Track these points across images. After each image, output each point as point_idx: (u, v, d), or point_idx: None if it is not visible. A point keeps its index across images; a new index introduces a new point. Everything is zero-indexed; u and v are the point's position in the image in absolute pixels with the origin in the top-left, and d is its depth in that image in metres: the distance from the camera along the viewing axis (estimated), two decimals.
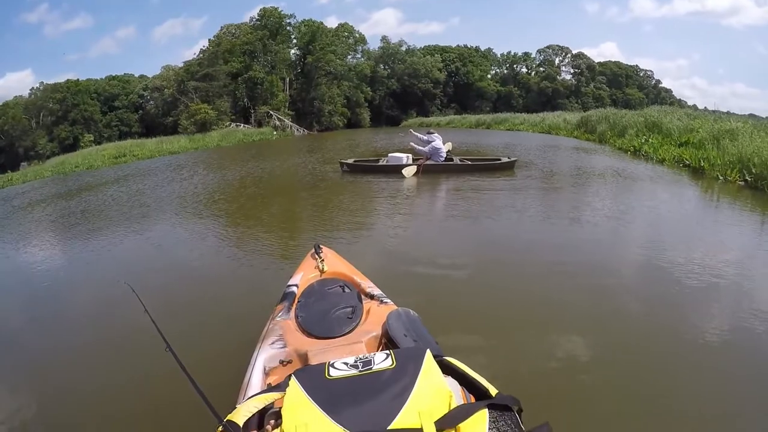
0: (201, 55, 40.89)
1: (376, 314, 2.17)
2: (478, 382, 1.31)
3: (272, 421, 1.30)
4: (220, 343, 3.30)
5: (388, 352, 1.24)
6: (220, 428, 1.23)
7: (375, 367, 1.18)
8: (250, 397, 1.37)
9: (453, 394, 1.13)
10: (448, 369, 1.36)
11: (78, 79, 46.10)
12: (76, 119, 43.40)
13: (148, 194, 12.14)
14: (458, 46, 54.46)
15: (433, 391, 1.11)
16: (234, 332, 3.39)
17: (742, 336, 3.00)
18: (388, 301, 2.39)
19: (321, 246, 2.92)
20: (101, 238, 7.90)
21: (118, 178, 17.95)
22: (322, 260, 2.76)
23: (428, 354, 1.21)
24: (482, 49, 56.04)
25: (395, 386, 1.10)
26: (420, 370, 1.14)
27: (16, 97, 48.84)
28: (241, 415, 1.28)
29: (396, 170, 9.93)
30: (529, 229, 5.82)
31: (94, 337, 4.02)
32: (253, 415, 1.31)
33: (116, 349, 3.64)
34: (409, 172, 9.83)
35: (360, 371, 1.18)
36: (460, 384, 1.34)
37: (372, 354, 1.26)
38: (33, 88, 47.62)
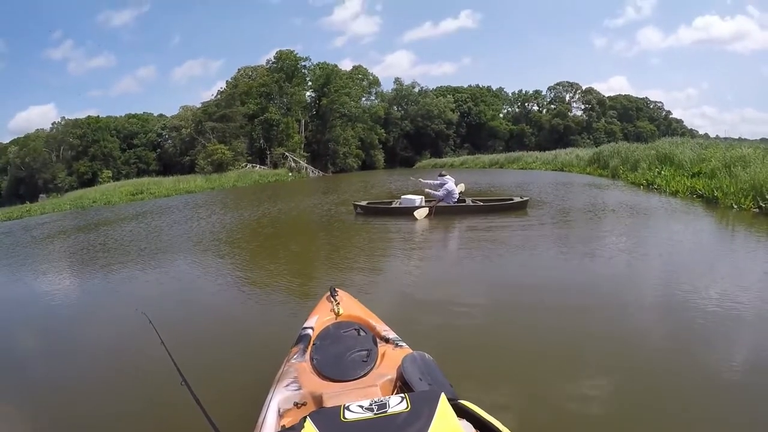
0: (218, 96, 41.88)
1: (392, 358, 2.17)
2: (494, 425, 1.31)
3: None
4: (234, 381, 3.31)
5: (402, 395, 1.24)
6: None
7: (390, 411, 1.18)
8: None
9: None
10: (462, 412, 1.36)
11: (98, 116, 47.47)
12: (96, 155, 44.39)
13: (165, 231, 12.32)
14: (470, 86, 55.32)
15: None
16: (248, 372, 3.40)
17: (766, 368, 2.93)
18: (404, 344, 2.36)
19: (336, 289, 2.92)
20: (119, 271, 8.04)
21: (135, 215, 18.33)
22: (338, 303, 2.76)
23: (443, 397, 1.22)
24: (494, 89, 56.79)
25: (410, 429, 1.11)
26: (435, 414, 1.15)
27: (37, 130, 50.19)
28: None
29: (409, 212, 9.87)
30: (543, 269, 5.75)
31: (109, 368, 4.08)
32: None
33: (132, 381, 3.70)
34: (420, 214, 9.78)
35: (375, 414, 1.17)
36: (475, 427, 1.33)
37: (387, 397, 1.25)
38: (54, 122, 49.02)
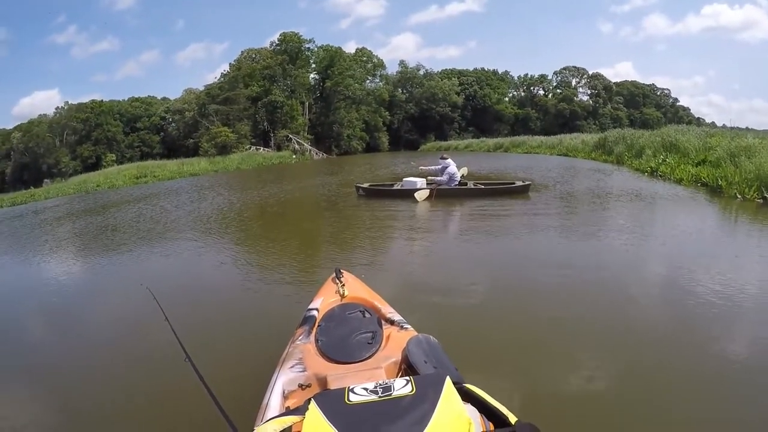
0: (222, 78, 41.63)
1: (396, 340, 2.17)
2: (498, 409, 1.30)
3: None
4: (238, 361, 3.33)
5: (408, 378, 1.24)
6: None
7: (395, 393, 1.17)
8: (268, 420, 1.36)
9: (472, 422, 1.13)
10: (467, 396, 1.35)
11: (102, 100, 47.26)
12: (99, 139, 44.32)
13: (169, 213, 12.38)
14: (475, 69, 54.72)
15: (452, 419, 1.11)
16: (252, 352, 3.43)
17: (766, 361, 2.91)
18: (409, 326, 2.36)
19: (342, 270, 2.90)
20: (124, 252, 8.18)
21: (139, 197, 18.38)
22: (343, 285, 2.76)
23: (448, 381, 1.21)
24: (499, 72, 56.24)
25: (415, 413, 1.10)
26: (440, 397, 1.14)
27: (40, 115, 50.08)
28: None
29: (410, 195, 9.90)
30: (545, 253, 5.74)
31: (114, 343, 4.17)
32: None
33: (136, 355, 3.77)
34: (421, 195, 9.78)
35: (380, 397, 1.17)
36: (480, 411, 1.33)
37: (392, 380, 1.25)
38: (58, 107, 48.89)
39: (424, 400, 1.14)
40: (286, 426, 1.30)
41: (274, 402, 1.89)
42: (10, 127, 53.26)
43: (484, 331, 3.50)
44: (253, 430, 1.31)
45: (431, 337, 1.99)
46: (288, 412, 1.38)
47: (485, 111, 51.36)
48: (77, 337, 4.59)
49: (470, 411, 1.29)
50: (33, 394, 3.55)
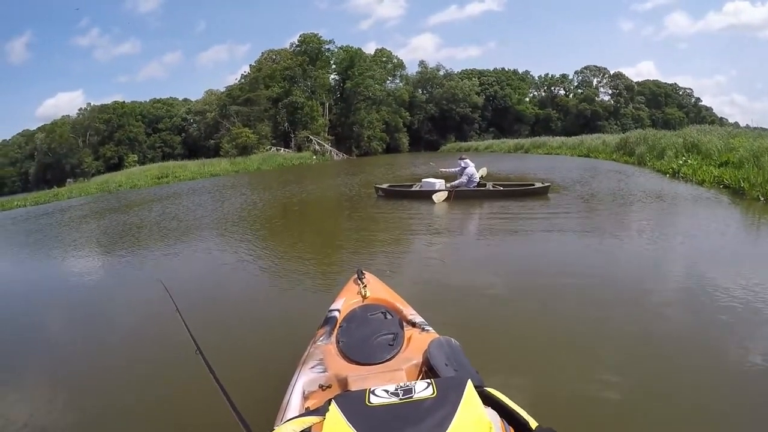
0: (242, 80, 41.78)
1: (418, 342, 2.15)
2: (519, 414, 1.29)
3: None
4: (258, 361, 3.35)
5: (429, 381, 1.22)
6: None
7: (416, 396, 1.16)
8: (288, 420, 1.36)
9: (493, 426, 1.11)
10: (488, 400, 1.34)
11: (124, 101, 47.88)
12: (122, 140, 44.88)
13: (190, 213, 12.58)
14: (495, 69, 54.12)
15: (473, 422, 1.09)
16: (273, 352, 3.44)
17: None
18: (430, 329, 2.34)
19: (364, 271, 2.89)
20: (143, 249, 8.41)
21: (160, 197, 18.72)
22: (365, 286, 2.75)
23: (469, 384, 1.19)
24: (520, 72, 55.50)
25: (435, 416, 1.09)
26: (461, 401, 1.13)
27: (64, 116, 50.92)
28: None
29: (429, 196, 9.91)
30: (564, 255, 5.70)
31: (128, 335, 4.42)
32: None
33: (149, 347, 3.91)
34: (439, 197, 9.76)
35: (401, 399, 1.16)
36: (501, 416, 1.31)
37: (413, 382, 1.24)
38: (81, 108, 49.67)
39: (445, 404, 1.12)
40: (306, 426, 1.29)
41: (294, 402, 1.89)
42: (33, 128, 54.35)
43: (504, 334, 3.50)
44: (273, 429, 1.32)
45: (452, 339, 1.99)
46: (308, 412, 1.38)
47: (506, 111, 50.76)
48: (95, 332, 4.74)
49: (491, 415, 1.28)
50: (48, 384, 3.66)
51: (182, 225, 10.49)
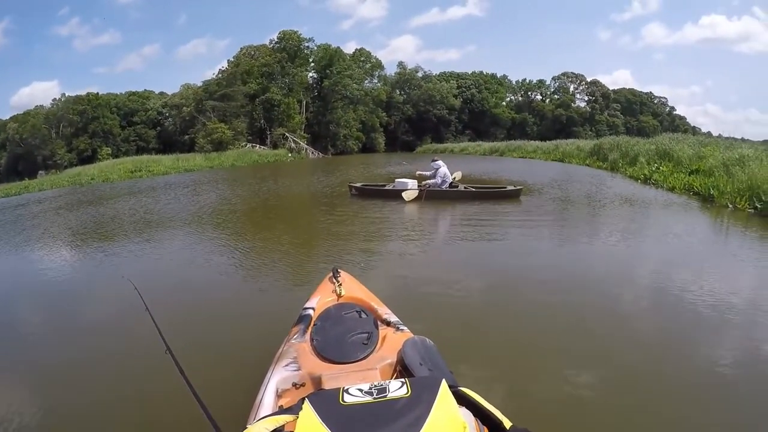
0: (220, 75, 41.47)
1: (392, 341, 2.17)
2: (493, 414, 1.29)
3: None
4: (231, 360, 3.33)
5: (403, 380, 1.23)
6: None
7: (389, 395, 1.17)
8: (261, 419, 1.34)
9: (467, 426, 1.12)
10: (462, 399, 1.33)
11: (98, 93, 47.02)
12: (96, 132, 44.11)
13: (162, 208, 12.45)
14: (474, 72, 54.77)
15: (447, 422, 1.10)
16: (246, 350, 3.41)
17: (753, 367, 3.01)
18: (405, 328, 2.36)
19: (339, 270, 2.89)
20: (112, 244, 8.22)
21: (133, 192, 18.48)
22: (340, 284, 2.75)
23: (443, 384, 1.20)
24: (498, 76, 56.32)
25: (409, 415, 1.10)
26: (435, 400, 1.14)
27: (37, 106, 49.75)
28: None
29: (401, 195, 10.13)
30: (535, 256, 5.84)
31: (95, 333, 4.29)
32: None
33: (117, 347, 3.81)
34: (409, 195, 9.95)
35: (374, 398, 1.17)
36: (475, 415, 1.32)
37: (387, 381, 1.24)
38: (55, 98, 48.60)
39: (419, 403, 1.13)
40: (279, 425, 1.29)
41: (267, 400, 1.89)
42: (6, 117, 53.05)
43: (478, 334, 3.54)
44: (245, 428, 1.30)
45: (427, 339, 2.00)
46: (281, 411, 1.37)
47: (483, 114, 51.46)
48: (62, 329, 4.59)
49: (465, 414, 1.28)
50: (10, 381, 3.58)
51: (155, 220, 10.49)
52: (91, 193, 20.62)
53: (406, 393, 1.16)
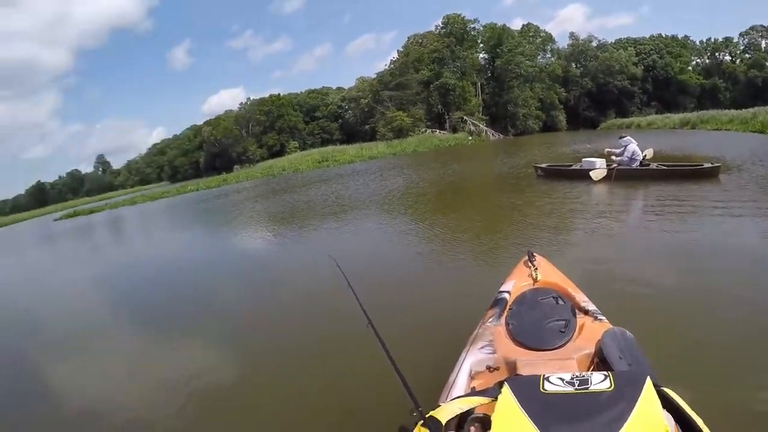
0: (392, 65, 42.75)
1: (590, 331, 2.08)
2: (696, 423, 1.16)
3: (474, 426, 1.31)
4: (425, 337, 3.42)
5: (606, 373, 1.19)
6: (420, 422, 1.24)
7: (592, 388, 1.13)
8: (455, 398, 1.36)
9: (669, 430, 1.04)
10: (665, 401, 1.20)
11: (279, 94, 51.77)
12: (282, 128, 48.67)
13: (352, 193, 13.37)
14: (652, 36, 49.14)
15: (649, 423, 1.04)
16: (438, 329, 3.47)
17: None
18: (603, 318, 2.24)
19: (534, 254, 2.84)
20: (310, 226, 9.14)
21: (324, 179, 20.06)
22: (536, 268, 2.70)
23: (648, 381, 1.14)
24: (679, 38, 49.86)
25: (612, 410, 1.05)
26: (639, 398, 1.08)
27: (227, 111, 56.64)
28: (444, 414, 1.28)
29: (589, 175, 9.64)
30: (741, 248, 4.89)
31: (301, 303, 4.81)
32: (455, 416, 1.31)
33: (320, 316, 4.27)
34: (597, 175, 9.48)
35: (576, 389, 1.13)
36: (676, 421, 1.20)
37: (589, 373, 1.21)
38: (241, 102, 54.74)
39: (622, 399, 1.08)
40: (471, 406, 1.30)
41: (460, 381, 1.91)
42: (200, 122, 61.25)
43: (679, 331, 3.18)
44: (439, 405, 1.32)
45: (627, 331, 1.86)
46: (475, 392, 1.40)
47: (667, 82, 45.99)
48: (266, 295, 5.33)
49: (666, 418, 1.15)
50: (220, 345, 4.17)
51: (347, 204, 11.18)
52: (284, 183, 22.80)
53: (609, 387, 1.12)
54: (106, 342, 4.97)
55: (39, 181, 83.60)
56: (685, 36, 50.90)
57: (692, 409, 1.24)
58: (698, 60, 50.91)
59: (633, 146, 9.66)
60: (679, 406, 1.23)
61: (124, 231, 18.13)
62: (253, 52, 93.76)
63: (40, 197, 77.80)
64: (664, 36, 49.69)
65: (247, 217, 12.30)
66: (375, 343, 1.73)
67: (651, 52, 47.03)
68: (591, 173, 9.54)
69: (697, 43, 51.31)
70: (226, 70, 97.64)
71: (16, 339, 5.78)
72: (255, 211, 13.39)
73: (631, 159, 9.58)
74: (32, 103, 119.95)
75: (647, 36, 49.25)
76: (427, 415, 1.26)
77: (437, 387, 1.98)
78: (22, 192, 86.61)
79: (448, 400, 1.47)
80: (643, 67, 45.48)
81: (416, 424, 1.26)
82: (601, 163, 9.92)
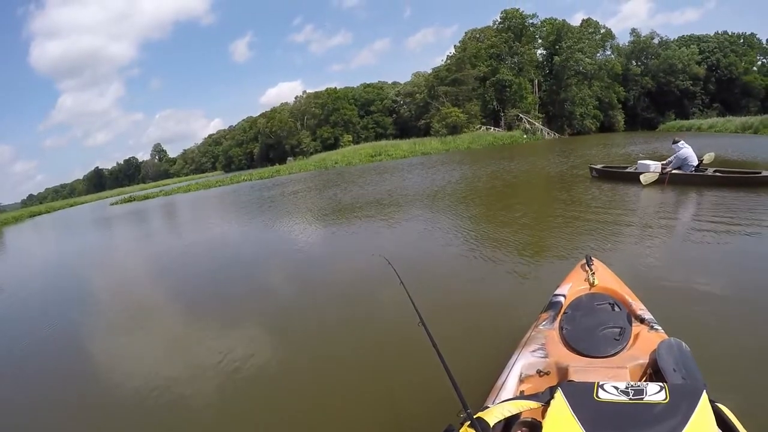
0: (449, 61, 43.02)
1: (646, 340, 2.03)
2: None
3: (521, 430, 1.32)
4: (475, 337, 3.41)
5: (661, 384, 1.18)
6: (468, 423, 1.22)
7: (646, 398, 1.12)
8: (504, 401, 1.34)
9: None
10: (718, 418, 1.17)
11: (336, 88, 53.03)
12: (337, 122, 49.92)
13: (408, 188, 13.47)
14: (716, 33, 47.34)
15: None
16: (489, 330, 3.48)
17: None
18: (659, 328, 2.17)
19: (592, 258, 2.78)
20: (361, 220, 9.24)
21: (375, 174, 20.27)
22: (593, 273, 2.64)
23: (705, 397, 1.13)
24: (746, 35, 47.90)
25: (665, 423, 1.04)
26: (694, 412, 1.07)
27: (282, 103, 58.38)
28: (492, 416, 1.27)
29: None
30: None
31: (351, 299, 4.80)
32: (502, 419, 1.30)
33: (370, 312, 4.26)
34: (647, 179, 9.42)
35: (630, 399, 1.13)
36: None
37: (644, 383, 1.21)
38: (297, 95, 56.32)
39: (677, 412, 1.07)
40: (520, 410, 1.30)
41: (510, 384, 1.89)
42: (256, 114, 63.41)
43: (736, 346, 3.05)
44: (487, 407, 1.33)
45: (683, 343, 1.85)
46: (525, 396, 1.37)
47: (731, 83, 44.25)
48: (321, 293, 5.31)
49: None
50: (272, 333, 4.23)
51: (399, 200, 11.35)
52: (336, 176, 22.98)
53: (664, 399, 1.12)
54: (171, 317, 5.45)
55: (97, 167, 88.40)
56: (752, 33, 48.87)
57: (745, 429, 1.22)
58: (764, 60, 48.83)
59: (685, 151, 9.38)
60: (733, 424, 1.22)
61: (185, 216, 18.74)
62: (314, 46, 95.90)
63: (97, 182, 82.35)
64: (729, 33, 47.87)
65: (300, 208, 12.71)
66: (424, 341, 1.75)
67: (715, 50, 45.37)
68: (641, 177, 9.52)
69: (764, 42, 49.21)
70: (285, 63, 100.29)
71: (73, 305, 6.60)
72: (308, 202, 13.76)
73: (684, 164, 9.35)
74: (97, 93, 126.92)
75: (711, 33, 47.66)
76: (475, 416, 1.26)
77: (485, 388, 1.99)
78: (80, 177, 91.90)
79: (497, 402, 1.48)
80: (706, 67, 44.06)
81: (463, 424, 1.26)
82: (655, 166, 9.82)
